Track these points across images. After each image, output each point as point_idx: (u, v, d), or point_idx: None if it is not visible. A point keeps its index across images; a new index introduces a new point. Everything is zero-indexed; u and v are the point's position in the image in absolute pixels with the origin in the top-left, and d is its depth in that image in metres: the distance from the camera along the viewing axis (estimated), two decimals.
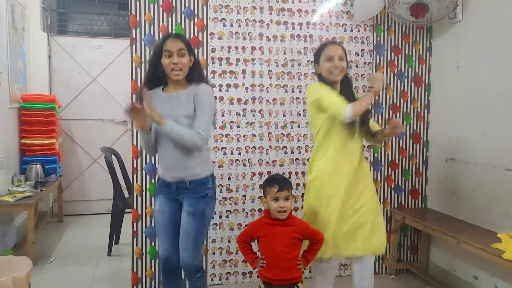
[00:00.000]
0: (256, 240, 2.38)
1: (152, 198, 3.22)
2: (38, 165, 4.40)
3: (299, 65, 3.41)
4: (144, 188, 3.21)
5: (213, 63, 3.27)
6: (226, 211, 3.34)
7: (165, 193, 2.41)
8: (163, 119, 2.19)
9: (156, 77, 2.34)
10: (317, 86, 2.55)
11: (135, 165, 3.19)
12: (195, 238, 2.33)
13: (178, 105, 2.29)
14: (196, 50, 3.22)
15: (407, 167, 3.65)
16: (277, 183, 2.27)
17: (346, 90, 2.53)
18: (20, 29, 4.57)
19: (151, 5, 3.16)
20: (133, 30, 3.15)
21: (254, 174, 3.38)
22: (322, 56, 2.52)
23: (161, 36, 3.17)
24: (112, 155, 4.36)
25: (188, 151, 2.30)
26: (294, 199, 3.21)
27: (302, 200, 3.42)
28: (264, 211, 2.38)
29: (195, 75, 2.34)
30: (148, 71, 2.39)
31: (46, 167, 4.53)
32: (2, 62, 3.93)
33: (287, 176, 3.37)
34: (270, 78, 3.37)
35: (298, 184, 3.42)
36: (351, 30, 3.49)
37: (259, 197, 3.38)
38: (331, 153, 2.48)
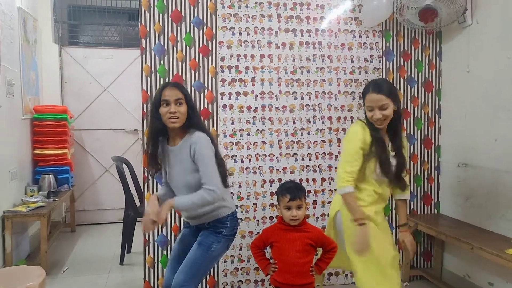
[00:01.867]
0: (269, 246, 2.39)
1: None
2: (50, 175, 4.44)
3: (308, 72, 3.41)
4: None
5: (222, 71, 3.29)
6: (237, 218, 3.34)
7: (188, 228, 2.49)
8: (171, 204, 2.20)
9: (158, 128, 2.31)
10: (353, 132, 2.41)
11: (146, 174, 3.21)
12: (191, 265, 2.28)
13: (181, 160, 2.29)
14: (206, 59, 3.26)
15: (419, 173, 3.63)
16: (289, 192, 2.27)
17: (395, 140, 2.42)
18: (32, 41, 4.64)
19: (161, 15, 3.20)
20: (143, 40, 3.18)
21: (264, 181, 3.38)
22: (365, 103, 2.37)
23: (170, 45, 3.20)
24: (124, 164, 4.39)
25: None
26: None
27: (314, 208, 3.43)
28: (278, 217, 2.39)
29: (192, 124, 2.32)
30: (150, 122, 2.35)
31: (58, 177, 4.57)
32: (15, 73, 3.99)
33: None
34: (279, 85, 3.38)
35: (309, 191, 3.41)
36: (360, 36, 3.49)
37: (270, 205, 3.38)
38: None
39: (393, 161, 2.40)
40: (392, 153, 2.41)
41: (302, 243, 2.28)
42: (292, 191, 2.28)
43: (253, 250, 2.43)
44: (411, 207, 3.62)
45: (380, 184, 2.40)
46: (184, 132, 2.33)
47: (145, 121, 3.18)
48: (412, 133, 3.59)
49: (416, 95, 3.60)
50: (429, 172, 3.65)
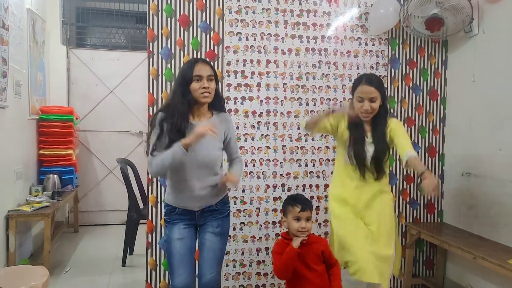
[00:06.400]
0: None
1: None
2: (55, 175, 4.47)
3: (314, 78, 3.43)
4: (159, 199, 3.23)
5: (228, 76, 3.31)
6: (240, 223, 3.35)
7: (184, 220, 2.36)
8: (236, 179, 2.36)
9: (190, 104, 2.27)
10: None
11: (150, 176, 3.22)
12: (220, 259, 2.37)
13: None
14: (212, 64, 3.27)
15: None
16: (300, 202, 2.24)
17: (377, 128, 2.53)
18: (40, 42, 4.68)
19: (168, 19, 3.22)
20: (151, 44, 3.20)
21: (268, 186, 3.39)
22: (355, 93, 2.52)
23: (177, 49, 3.22)
24: (128, 166, 4.41)
25: (217, 176, 2.40)
26: None
27: (317, 214, 3.43)
28: (282, 234, 2.35)
29: (219, 102, 2.40)
30: (177, 98, 2.27)
31: (63, 177, 4.60)
32: (23, 74, 4.03)
33: (301, 189, 3.39)
34: (284, 91, 3.39)
35: (312, 197, 3.41)
36: (366, 44, 3.50)
37: (273, 210, 3.38)
38: None
39: (370, 148, 2.51)
40: (369, 140, 2.53)
41: (314, 254, 2.26)
42: (302, 202, 2.24)
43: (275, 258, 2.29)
44: (414, 215, 3.62)
45: (352, 173, 2.55)
46: (209, 112, 2.39)
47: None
48: (416, 141, 3.59)
49: (421, 103, 3.61)
50: None
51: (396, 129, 2.53)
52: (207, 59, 2.44)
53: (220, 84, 3.28)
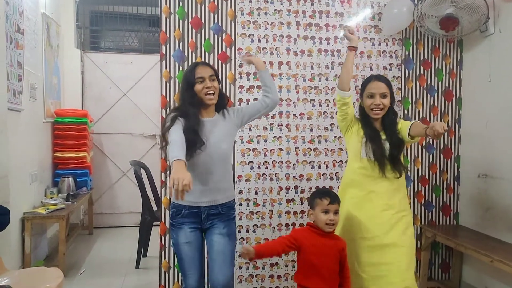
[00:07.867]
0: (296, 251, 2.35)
1: None
2: (70, 178, 4.51)
3: (326, 79, 3.40)
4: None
5: (240, 78, 3.30)
6: (253, 225, 3.34)
7: (190, 223, 2.35)
8: (262, 63, 2.57)
9: (197, 105, 2.34)
10: None
11: (163, 179, 3.23)
12: (231, 260, 2.36)
13: (222, 126, 2.39)
14: (225, 66, 3.28)
15: (437, 183, 3.57)
16: (329, 196, 2.28)
17: (388, 126, 2.52)
18: (55, 46, 4.73)
19: (181, 21, 3.23)
20: (163, 46, 3.22)
21: (281, 188, 3.37)
22: (365, 91, 2.52)
23: (190, 52, 3.23)
24: (141, 169, 4.43)
25: (227, 171, 2.41)
26: None
27: None
28: (308, 224, 2.37)
29: (222, 101, 2.45)
30: (185, 103, 2.33)
31: (77, 180, 4.64)
32: (38, 78, 4.07)
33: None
34: (297, 92, 3.38)
35: None
36: (379, 44, 3.47)
37: (286, 212, 3.36)
38: None
39: (386, 144, 2.47)
40: (383, 137, 2.50)
41: (337, 250, 2.28)
42: (331, 195, 2.30)
43: (281, 239, 2.36)
44: (429, 217, 3.57)
45: (370, 170, 2.47)
46: (214, 112, 2.44)
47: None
48: (431, 142, 3.55)
49: (436, 104, 3.56)
50: (449, 182, 3.59)
51: (403, 121, 2.55)
52: (207, 62, 2.46)
53: (232, 86, 3.28)
